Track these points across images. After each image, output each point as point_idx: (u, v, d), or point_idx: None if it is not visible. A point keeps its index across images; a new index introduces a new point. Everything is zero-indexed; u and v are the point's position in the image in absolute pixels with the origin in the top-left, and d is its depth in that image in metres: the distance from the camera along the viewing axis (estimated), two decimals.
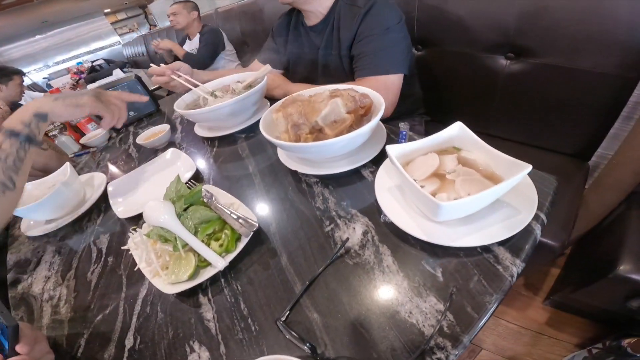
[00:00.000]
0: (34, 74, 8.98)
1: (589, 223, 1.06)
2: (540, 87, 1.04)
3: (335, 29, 1.03)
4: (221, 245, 0.61)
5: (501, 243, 0.49)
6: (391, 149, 0.55)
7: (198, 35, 2.60)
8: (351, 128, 0.72)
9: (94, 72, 4.05)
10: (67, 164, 0.95)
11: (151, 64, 1.05)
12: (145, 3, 10.40)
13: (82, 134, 1.35)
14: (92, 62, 4.36)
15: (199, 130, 1.05)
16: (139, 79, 1.39)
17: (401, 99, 1.01)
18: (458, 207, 0.46)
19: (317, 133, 0.70)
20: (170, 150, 0.97)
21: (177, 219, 0.62)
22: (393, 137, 0.79)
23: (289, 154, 0.79)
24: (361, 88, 0.75)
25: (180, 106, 0.99)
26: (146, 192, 0.88)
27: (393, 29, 0.92)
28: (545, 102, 1.06)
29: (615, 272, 0.86)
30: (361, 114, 0.74)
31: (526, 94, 1.08)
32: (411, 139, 0.76)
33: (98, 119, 1.36)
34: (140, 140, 1.07)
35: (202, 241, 0.61)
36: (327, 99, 0.73)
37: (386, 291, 0.49)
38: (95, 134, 1.31)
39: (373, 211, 0.61)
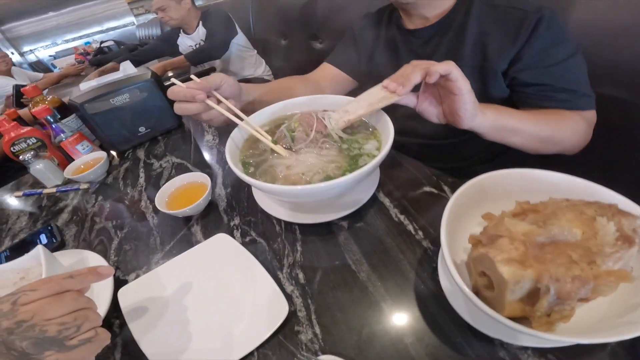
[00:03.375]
0: (41, 51, 8.58)
1: None
2: None
3: (469, 33, 0.69)
4: None
5: None
6: None
7: (200, 25, 2.09)
8: None
9: (101, 54, 3.58)
10: (39, 247, 0.51)
11: (172, 78, 0.56)
12: None
13: (70, 159, 0.89)
14: (101, 42, 3.87)
15: (268, 205, 0.59)
16: (156, 79, 0.93)
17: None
18: None
19: None
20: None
21: None
22: None
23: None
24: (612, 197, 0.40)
25: (233, 154, 0.53)
26: (196, 322, 0.45)
27: (579, 50, 0.64)
28: None
29: None
30: None
31: None
32: None
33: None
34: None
35: None
36: (620, 245, 0.33)
37: None
38: (88, 162, 0.86)
39: None
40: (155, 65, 2.15)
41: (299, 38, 1.92)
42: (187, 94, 0.52)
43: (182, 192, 0.65)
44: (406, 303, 0.42)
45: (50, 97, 0.98)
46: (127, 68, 1.00)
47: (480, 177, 0.44)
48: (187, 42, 2.22)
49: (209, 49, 2.03)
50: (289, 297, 0.45)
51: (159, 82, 0.94)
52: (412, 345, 0.38)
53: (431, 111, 0.55)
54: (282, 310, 0.42)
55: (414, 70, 0.48)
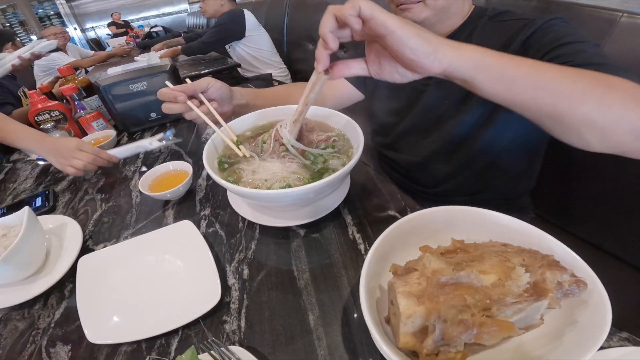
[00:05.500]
0: (102, 29, 9.21)
1: None
2: None
3: None
4: None
5: None
6: None
7: None
8: None
9: (149, 39, 3.82)
10: (26, 209, 0.56)
11: (167, 82, 0.62)
12: None
13: (84, 134, 0.98)
14: (151, 27, 4.12)
15: (237, 203, 0.63)
16: (173, 71, 1.00)
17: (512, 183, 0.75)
18: None
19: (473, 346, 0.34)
20: (183, 224, 0.57)
21: None
22: None
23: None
24: (559, 249, 0.39)
25: (210, 156, 0.56)
26: (137, 297, 0.50)
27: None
28: None
29: None
30: None
31: None
32: None
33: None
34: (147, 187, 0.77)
35: None
36: (526, 297, 0.33)
37: None
38: (98, 138, 0.94)
39: None
40: (169, 50, 2.41)
41: None
42: (170, 96, 0.58)
43: (166, 177, 0.70)
44: (331, 317, 0.44)
45: (81, 77, 1.08)
46: (151, 58, 1.08)
47: (427, 210, 0.45)
48: None
49: (196, 46, 2.23)
50: (227, 289, 0.49)
51: (175, 74, 1.01)
52: (323, 358, 0.40)
53: (389, 70, 0.44)
54: (213, 299, 0.45)
55: (321, 25, 0.40)
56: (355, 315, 0.44)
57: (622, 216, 0.79)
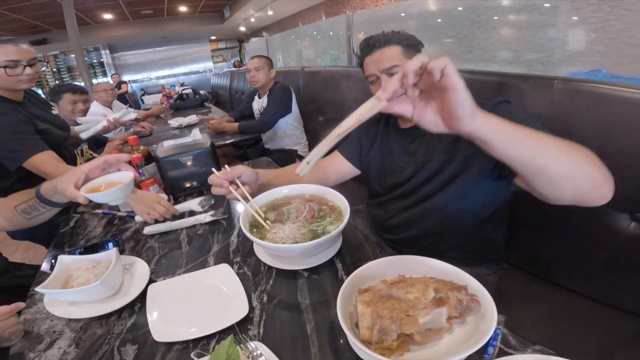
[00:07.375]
0: (136, 83, 10.15)
1: None
2: None
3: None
4: None
5: None
6: None
7: (267, 94, 2.35)
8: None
9: (180, 100, 4.28)
10: (114, 249, 0.82)
11: (213, 169, 0.87)
12: (243, 38, 11.71)
13: None
14: (182, 88, 4.60)
15: (260, 253, 0.87)
16: (212, 148, 1.30)
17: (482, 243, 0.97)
18: None
19: (405, 338, 0.54)
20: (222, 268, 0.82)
21: None
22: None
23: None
24: (472, 283, 0.59)
25: (244, 221, 0.82)
26: (189, 312, 0.72)
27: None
28: None
29: None
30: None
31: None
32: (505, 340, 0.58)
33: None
34: (85, 189, 0.78)
35: None
36: (431, 305, 0.56)
37: None
38: None
39: None
40: (229, 124, 2.50)
41: (332, 117, 2.18)
42: (217, 182, 0.83)
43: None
44: (322, 329, 0.65)
45: (142, 147, 1.40)
46: (195, 134, 1.40)
47: (388, 258, 0.69)
48: (255, 105, 2.56)
49: (257, 125, 2.35)
50: (252, 309, 0.71)
51: (214, 150, 1.31)
52: (315, 355, 0.61)
53: (429, 118, 0.54)
54: (242, 313, 0.68)
55: (411, 62, 0.47)
56: (339, 331, 0.65)
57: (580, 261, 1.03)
